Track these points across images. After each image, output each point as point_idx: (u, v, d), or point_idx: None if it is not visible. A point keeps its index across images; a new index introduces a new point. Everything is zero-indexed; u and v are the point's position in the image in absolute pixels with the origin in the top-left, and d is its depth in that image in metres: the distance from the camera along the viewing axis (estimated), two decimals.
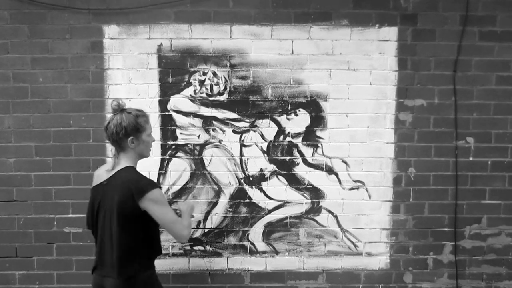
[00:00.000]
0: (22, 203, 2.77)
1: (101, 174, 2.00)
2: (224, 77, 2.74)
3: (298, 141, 2.80)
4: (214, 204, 2.82)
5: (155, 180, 2.74)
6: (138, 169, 2.01)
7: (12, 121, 2.72)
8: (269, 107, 2.77)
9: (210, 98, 2.76)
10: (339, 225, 2.86)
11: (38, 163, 2.74)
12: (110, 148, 2.74)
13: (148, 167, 2.62)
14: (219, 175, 2.79)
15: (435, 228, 2.87)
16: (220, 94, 2.76)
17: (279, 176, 2.82)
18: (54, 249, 2.80)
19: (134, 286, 1.92)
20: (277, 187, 2.82)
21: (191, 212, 2.16)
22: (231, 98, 2.76)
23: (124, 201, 1.85)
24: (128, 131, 1.91)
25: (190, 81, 2.74)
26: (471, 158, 2.83)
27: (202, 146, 2.79)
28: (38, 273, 2.82)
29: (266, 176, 2.82)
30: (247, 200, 2.83)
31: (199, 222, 2.83)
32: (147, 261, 2.01)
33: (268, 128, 2.79)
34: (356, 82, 2.76)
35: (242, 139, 2.79)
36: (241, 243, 2.85)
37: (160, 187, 1.99)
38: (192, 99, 2.76)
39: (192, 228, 2.81)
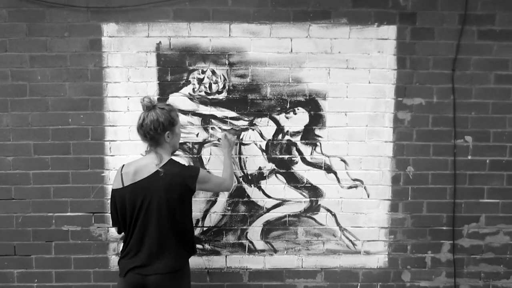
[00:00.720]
0: (20, 201, 2.77)
1: (139, 171, 1.98)
2: (223, 76, 2.74)
3: (296, 139, 2.80)
4: (213, 202, 2.82)
5: None
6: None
7: (10, 119, 2.72)
8: (268, 106, 2.77)
9: (208, 97, 2.76)
10: (338, 224, 2.86)
11: (36, 161, 2.74)
12: (109, 147, 2.74)
13: None
14: (218, 174, 2.79)
15: (434, 226, 2.87)
16: (218, 92, 2.76)
17: (277, 175, 2.82)
18: (52, 247, 2.80)
19: (182, 279, 2.01)
20: (276, 186, 2.82)
21: (231, 150, 2.58)
22: (230, 96, 2.76)
23: (182, 191, 1.99)
24: (165, 126, 2.00)
25: (189, 79, 2.74)
26: (469, 157, 2.83)
27: (201, 144, 2.79)
28: (37, 271, 2.82)
29: (264, 175, 2.82)
30: (245, 199, 2.83)
31: (197, 221, 2.83)
32: (189, 252, 2.12)
33: (267, 127, 2.79)
34: (355, 80, 2.76)
35: (240, 137, 2.79)
36: (240, 241, 2.85)
37: (200, 168, 2.19)
38: (191, 97, 2.75)
39: None
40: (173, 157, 2.13)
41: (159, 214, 1.95)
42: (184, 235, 2.06)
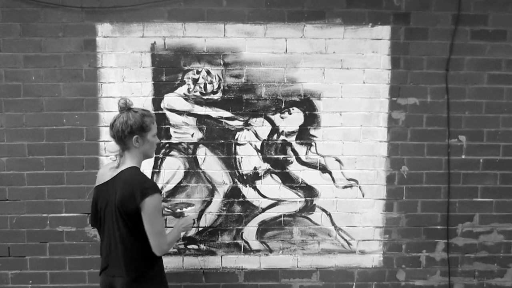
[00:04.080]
0: (14, 202, 2.75)
1: (105, 173, 1.97)
2: (218, 76, 2.74)
3: (291, 139, 2.81)
4: (208, 202, 2.82)
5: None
6: None
7: (4, 119, 2.71)
8: (263, 106, 2.78)
9: (203, 97, 2.76)
10: (333, 224, 2.87)
11: (31, 162, 2.73)
12: (103, 147, 2.74)
13: (142, 165, 2.60)
14: (213, 174, 2.79)
15: (428, 226, 2.89)
16: (213, 92, 2.76)
17: (273, 175, 2.83)
18: (47, 248, 2.79)
19: (143, 284, 1.92)
20: (271, 186, 2.83)
21: (184, 230, 2.22)
22: (225, 96, 2.76)
23: (126, 200, 1.83)
24: (134, 130, 1.89)
25: (184, 79, 2.74)
26: (463, 156, 2.85)
27: (196, 144, 2.79)
28: (31, 272, 2.80)
29: (260, 175, 2.82)
30: (241, 199, 2.83)
31: (193, 221, 2.83)
32: (153, 258, 1.97)
33: (262, 127, 2.79)
34: (350, 80, 2.77)
35: (236, 137, 2.79)
36: (235, 241, 2.85)
37: (160, 193, 1.95)
38: (186, 97, 2.75)
39: None
40: (138, 166, 1.98)
41: (114, 218, 1.89)
42: (130, 252, 1.88)
